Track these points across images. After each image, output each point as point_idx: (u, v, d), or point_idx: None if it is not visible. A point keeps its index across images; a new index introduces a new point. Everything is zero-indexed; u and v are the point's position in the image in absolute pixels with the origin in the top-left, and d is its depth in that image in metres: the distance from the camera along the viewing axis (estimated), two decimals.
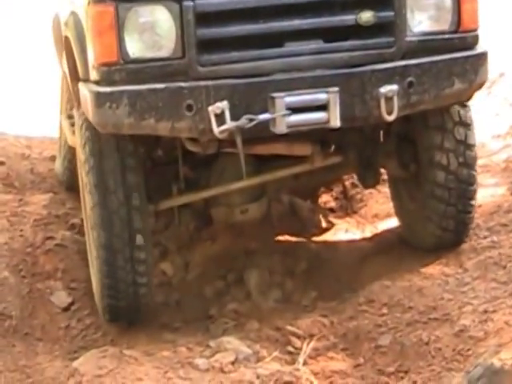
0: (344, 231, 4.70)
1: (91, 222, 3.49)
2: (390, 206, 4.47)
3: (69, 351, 3.73)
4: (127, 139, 3.40)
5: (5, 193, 5.12)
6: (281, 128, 3.07)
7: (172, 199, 3.82)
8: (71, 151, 4.72)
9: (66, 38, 3.66)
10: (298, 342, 3.40)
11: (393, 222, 4.44)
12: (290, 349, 3.38)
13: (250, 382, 2.97)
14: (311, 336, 3.44)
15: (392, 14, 3.16)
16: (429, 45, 3.28)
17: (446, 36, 3.29)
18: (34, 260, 4.25)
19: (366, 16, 3.14)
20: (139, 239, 3.44)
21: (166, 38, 3.11)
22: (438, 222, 3.79)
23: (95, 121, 3.18)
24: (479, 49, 3.38)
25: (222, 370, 3.09)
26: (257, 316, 3.80)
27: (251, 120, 3.03)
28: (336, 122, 3.10)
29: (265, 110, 3.07)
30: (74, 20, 3.46)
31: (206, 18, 3.09)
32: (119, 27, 3.05)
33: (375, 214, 4.78)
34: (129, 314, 3.67)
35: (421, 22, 3.26)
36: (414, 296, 3.51)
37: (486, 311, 3.22)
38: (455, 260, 3.84)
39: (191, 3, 3.04)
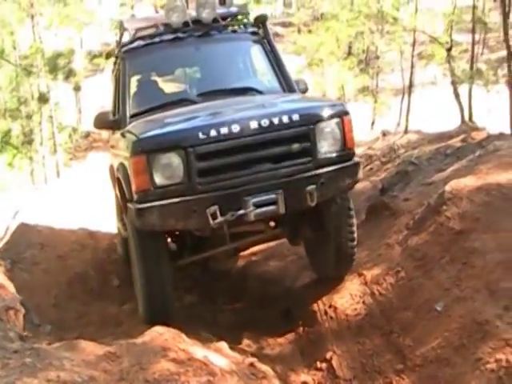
0: None
1: (138, 267, 5.27)
2: None
3: (119, 303, 6.78)
4: (157, 232, 5.04)
5: None
6: (250, 218, 4.77)
7: (184, 259, 5.80)
8: (124, 240, 7.00)
9: (118, 178, 5.52)
10: None
11: None
12: None
13: None
14: None
15: (309, 144, 4.97)
16: (329, 160, 5.06)
17: (338, 153, 5.11)
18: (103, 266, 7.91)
19: (295, 147, 4.96)
20: (166, 278, 5.24)
21: (178, 171, 4.77)
22: (334, 262, 5.73)
23: (139, 224, 4.91)
24: (356, 159, 5.27)
25: None
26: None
27: (233, 215, 4.73)
28: (282, 210, 4.85)
29: (240, 208, 4.74)
30: (122, 168, 5.32)
31: (202, 157, 4.76)
32: (150, 168, 4.73)
33: None
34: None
35: (323, 147, 5.03)
36: None
37: None
38: None
39: (192, 149, 4.73)
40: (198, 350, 4.30)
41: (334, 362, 4.98)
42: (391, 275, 5.48)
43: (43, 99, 17.63)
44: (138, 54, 6.47)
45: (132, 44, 6.56)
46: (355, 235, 5.62)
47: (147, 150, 4.77)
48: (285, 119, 4.90)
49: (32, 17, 18.20)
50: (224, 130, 4.78)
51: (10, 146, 18.56)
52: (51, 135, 19.01)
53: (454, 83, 11.08)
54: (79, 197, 11.89)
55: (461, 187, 5.68)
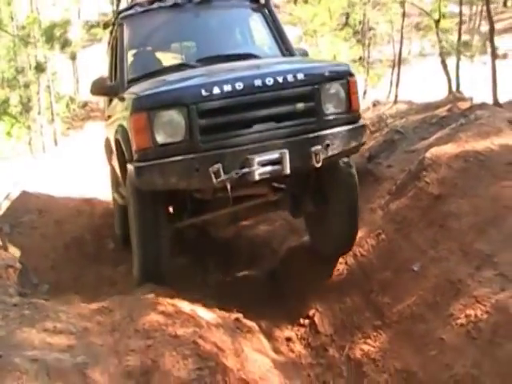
0: None
1: (135, 230, 5.16)
2: None
3: (114, 265, 7.01)
4: (157, 192, 4.92)
5: None
6: (255, 177, 4.62)
7: (183, 221, 5.62)
8: (120, 208, 7.25)
9: (117, 140, 5.39)
10: None
11: None
12: None
13: None
14: None
15: (314, 104, 4.86)
16: (334, 121, 4.95)
17: (344, 115, 5.00)
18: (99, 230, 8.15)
19: (300, 106, 4.84)
20: (164, 241, 5.16)
21: (180, 129, 4.63)
22: (335, 238, 5.65)
23: (139, 183, 4.78)
24: (361, 122, 5.17)
25: None
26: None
27: (237, 173, 4.57)
28: (287, 171, 4.69)
29: (244, 167, 4.59)
30: (121, 129, 5.21)
31: (203, 114, 4.63)
32: (150, 126, 4.59)
33: None
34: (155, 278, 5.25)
35: (328, 108, 4.92)
36: None
37: None
38: None
39: (194, 106, 4.59)
40: (186, 305, 4.56)
41: (316, 319, 5.26)
42: (372, 238, 5.70)
43: (40, 69, 17.71)
44: (135, 19, 6.37)
45: (130, 10, 6.44)
46: (358, 211, 5.54)
47: (148, 107, 4.64)
48: (290, 78, 4.79)
49: None
50: (227, 88, 4.65)
51: (8, 115, 18.73)
52: (49, 105, 19.15)
53: (441, 55, 11.23)
54: (76, 165, 12.08)
55: (440, 154, 5.90)
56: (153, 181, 4.67)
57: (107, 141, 7.26)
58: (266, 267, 6.36)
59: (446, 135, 6.74)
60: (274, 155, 4.65)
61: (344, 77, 5.01)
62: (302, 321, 5.34)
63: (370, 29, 17.57)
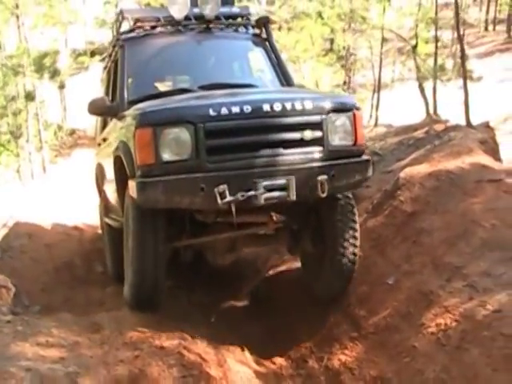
0: None
1: (132, 249, 4.99)
2: None
3: (102, 287, 7.11)
4: (157, 211, 4.82)
5: None
6: (260, 201, 4.56)
7: (182, 241, 5.39)
8: (110, 237, 7.18)
9: (118, 156, 5.24)
10: None
11: None
12: None
13: None
14: None
15: (321, 133, 4.83)
16: (340, 152, 4.93)
17: (349, 148, 4.99)
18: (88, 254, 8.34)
19: (308, 134, 4.78)
20: (161, 261, 5.01)
21: (186, 147, 4.55)
22: (331, 281, 5.50)
23: (140, 199, 4.62)
24: (366, 156, 5.15)
25: None
26: None
27: (243, 196, 4.49)
28: (293, 197, 4.63)
29: (250, 190, 4.52)
30: (123, 145, 5.06)
31: (211, 134, 4.57)
32: (155, 142, 4.51)
33: None
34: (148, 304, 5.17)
35: (334, 138, 4.90)
36: None
37: None
38: None
39: (202, 125, 4.53)
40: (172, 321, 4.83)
41: (298, 333, 5.51)
42: None
43: (30, 97, 18.00)
44: (137, 42, 6.39)
45: (132, 33, 6.46)
46: (357, 250, 5.39)
47: (154, 122, 4.56)
48: (298, 105, 4.76)
49: (17, 17, 18.56)
50: (235, 109, 4.61)
51: None
52: (37, 132, 19.43)
53: (418, 79, 11.61)
54: (65, 191, 12.27)
55: (414, 174, 6.22)
56: (155, 198, 4.54)
57: (99, 166, 7.33)
58: (249, 286, 6.58)
59: (421, 156, 7.07)
60: (281, 181, 4.61)
61: (350, 109, 5.02)
62: (283, 335, 5.57)
63: (351, 54, 17.94)
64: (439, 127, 8.87)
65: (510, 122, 17.37)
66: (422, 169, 6.29)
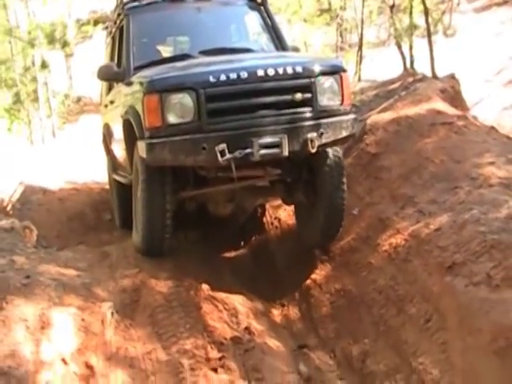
0: None
1: (142, 201, 5.44)
2: None
3: (110, 232, 7.93)
4: (164, 168, 5.29)
5: None
6: (256, 157, 5.01)
7: (186, 192, 5.76)
8: (119, 190, 7.74)
9: (127, 120, 5.71)
10: None
11: None
12: None
13: None
14: None
15: (311, 95, 5.24)
16: (328, 112, 5.35)
17: (336, 107, 5.40)
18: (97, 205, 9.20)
19: (298, 96, 5.19)
20: (168, 211, 5.42)
21: (189, 111, 5.02)
22: (323, 227, 5.84)
23: (149, 158, 5.10)
24: (352, 114, 5.58)
25: None
26: None
27: (240, 153, 4.94)
28: (285, 153, 5.09)
29: (247, 147, 4.97)
30: (131, 109, 5.51)
31: (211, 98, 5.01)
32: (162, 106, 4.98)
33: None
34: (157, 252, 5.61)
35: (323, 99, 5.32)
36: None
37: None
38: None
39: (203, 91, 4.98)
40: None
41: (276, 258, 6.38)
42: None
43: (44, 66, 18.81)
44: (141, 11, 6.75)
45: (135, 2, 6.83)
46: (345, 202, 5.77)
47: (160, 89, 5.01)
48: (289, 70, 5.18)
49: None
50: (233, 76, 5.03)
51: (8, 112, 19.95)
52: (46, 100, 20.25)
53: (395, 37, 12.26)
54: (74, 153, 12.89)
55: (379, 120, 7.02)
56: (162, 156, 5.02)
57: (106, 126, 7.88)
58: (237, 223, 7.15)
59: (389, 105, 7.84)
60: (275, 139, 5.05)
61: (337, 72, 5.42)
62: (263, 258, 6.43)
63: (337, 15, 18.47)
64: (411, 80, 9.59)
65: (503, 73, 17.88)
66: (386, 116, 7.09)
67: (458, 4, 27.63)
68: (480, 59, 18.08)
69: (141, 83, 5.31)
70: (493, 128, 7.22)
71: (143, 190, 5.39)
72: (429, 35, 9.27)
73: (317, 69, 5.30)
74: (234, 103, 5.11)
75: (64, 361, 3.63)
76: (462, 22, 22.30)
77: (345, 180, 5.76)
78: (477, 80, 17.04)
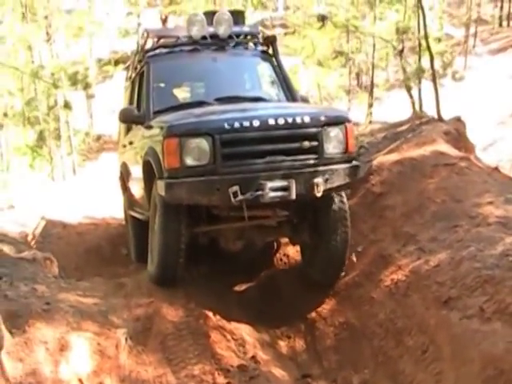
0: None
1: (159, 236, 5.76)
2: None
3: (126, 266, 8.09)
4: (181, 205, 5.59)
5: None
6: (266, 199, 5.31)
7: (200, 228, 6.07)
8: (135, 225, 7.96)
9: (147, 161, 6.00)
10: None
11: None
12: None
13: None
14: None
15: (317, 143, 5.55)
16: (333, 159, 5.65)
17: (341, 155, 5.70)
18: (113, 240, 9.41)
19: (305, 144, 5.51)
20: (182, 244, 5.73)
21: (205, 154, 5.35)
22: (326, 266, 6.14)
23: (167, 196, 5.43)
24: (356, 162, 5.83)
25: None
26: None
27: (252, 195, 5.25)
28: (293, 196, 5.36)
29: (258, 190, 5.27)
30: (151, 151, 5.85)
31: (226, 143, 5.35)
32: (180, 149, 5.34)
33: None
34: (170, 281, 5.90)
35: (329, 148, 5.62)
36: None
37: None
38: None
39: (218, 136, 5.32)
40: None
41: (283, 292, 6.60)
42: None
43: (68, 106, 19.41)
44: (161, 59, 7.19)
45: (156, 50, 7.31)
46: (347, 244, 6.04)
47: (179, 134, 5.37)
48: (298, 120, 5.51)
49: (48, 34, 19.94)
50: (246, 123, 5.37)
51: (31, 149, 20.59)
52: (67, 138, 20.80)
53: (404, 80, 12.59)
54: (93, 189, 13.26)
55: (384, 161, 7.31)
56: (180, 195, 5.36)
57: (123, 165, 8.26)
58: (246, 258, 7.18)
59: (395, 147, 8.12)
60: (284, 183, 5.34)
61: (343, 122, 5.74)
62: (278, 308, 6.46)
63: (350, 59, 18.88)
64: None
65: None
66: (392, 157, 7.37)
67: (474, 46, 27.86)
68: (494, 101, 18.34)
69: (161, 127, 5.65)
70: (496, 169, 7.50)
71: (160, 223, 5.70)
72: (434, 80, 9.59)
73: (323, 119, 5.63)
74: (246, 149, 5.44)
75: (80, 381, 3.93)
76: (477, 63, 22.66)
77: (348, 223, 6.04)
78: (490, 122, 17.33)
